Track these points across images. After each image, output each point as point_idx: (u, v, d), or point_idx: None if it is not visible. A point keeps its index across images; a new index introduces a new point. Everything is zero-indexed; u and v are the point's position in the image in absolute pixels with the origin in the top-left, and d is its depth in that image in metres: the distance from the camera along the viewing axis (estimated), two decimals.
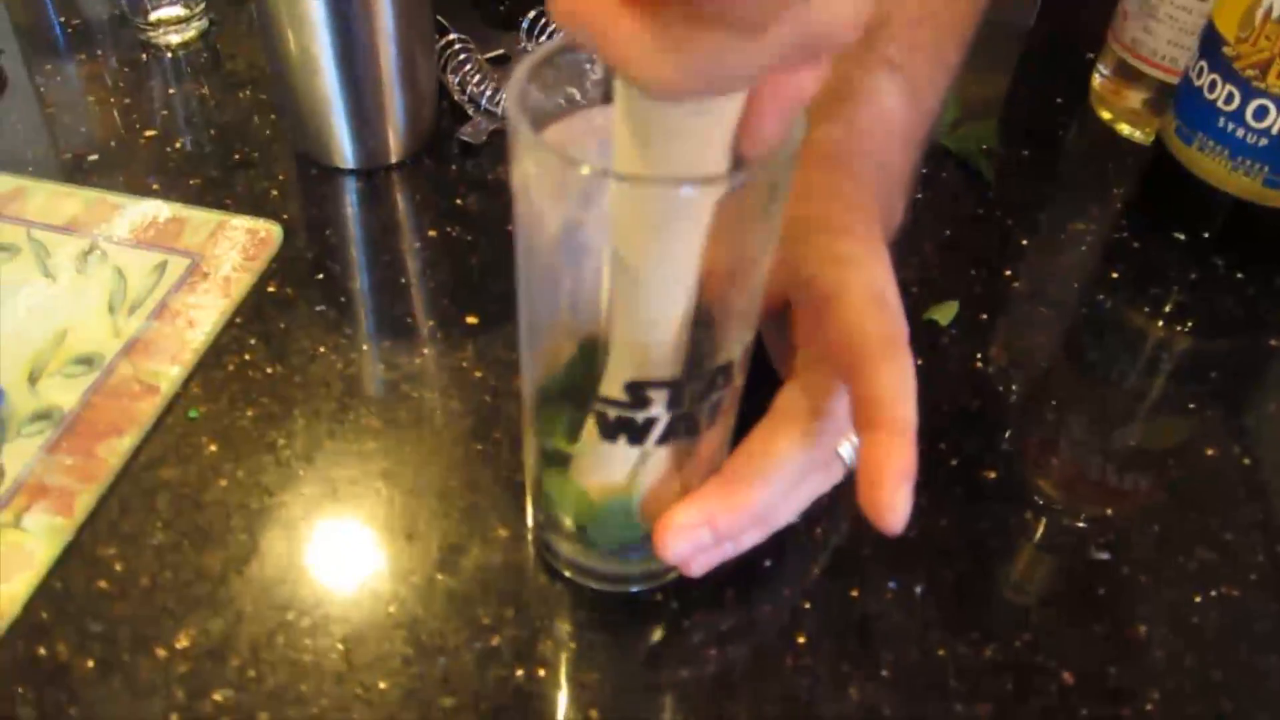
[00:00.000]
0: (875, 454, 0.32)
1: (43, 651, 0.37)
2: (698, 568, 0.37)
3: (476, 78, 0.60)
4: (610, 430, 0.32)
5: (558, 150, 0.26)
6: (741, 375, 0.33)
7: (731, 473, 0.35)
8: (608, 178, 0.26)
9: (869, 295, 0.36)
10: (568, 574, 0.40)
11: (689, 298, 0.29)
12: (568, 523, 0.38)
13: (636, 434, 0.32)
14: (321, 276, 0.51)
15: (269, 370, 0.47)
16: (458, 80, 0.61)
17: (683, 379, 0.31)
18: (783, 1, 0.21)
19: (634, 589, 0.40)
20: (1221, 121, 0.51)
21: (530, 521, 0.41)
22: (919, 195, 0.56)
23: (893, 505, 0.32)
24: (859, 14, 0.22)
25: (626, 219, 0.27)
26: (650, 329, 0.29)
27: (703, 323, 0.30)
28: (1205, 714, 0.37)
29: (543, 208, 0.28)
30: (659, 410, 0.31)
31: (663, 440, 0.32)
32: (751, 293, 0.31)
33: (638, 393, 0.31)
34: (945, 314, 0.50)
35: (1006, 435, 0.46)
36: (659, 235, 0.27)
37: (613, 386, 0.31)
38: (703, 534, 0.35)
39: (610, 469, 0.34)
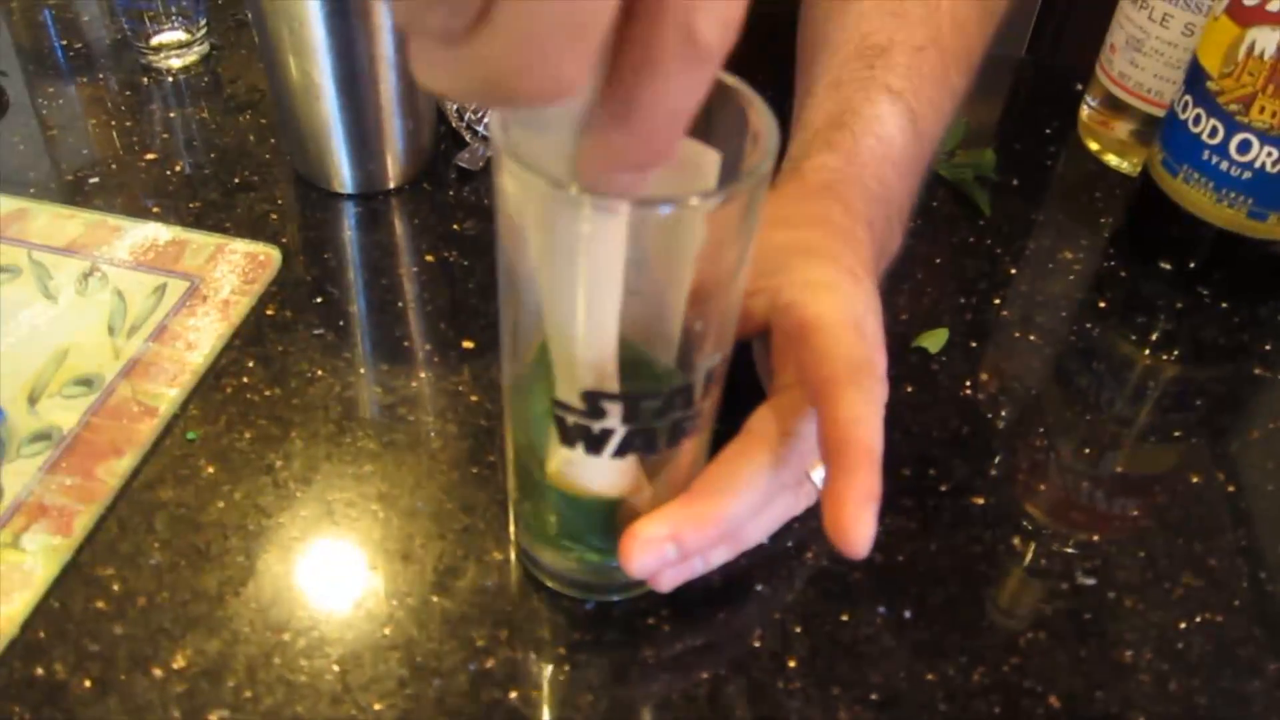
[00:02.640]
0: (839, 478, 0.33)
1: (40, 671, 0.38)
2: (666, 582, 0.37)
3: (474, 104, 0.61)
4: (569, 437, 0.33)
5: (537, 168, 0.27)
6: (708, 399, 0.34)
7: (698, 489, 0.36)
8: (585, 196, 0.26)
9: (844, 321, 0.36)
10: (550, 584, 0.40)
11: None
12: (550, 521, 0.38)
13: (593, 443, 0.33)
14: (320, 300, 0.52)
15: (267, 393, 0.47)
16: (456, 107, 0.62)
17: (638, 395, 0.31)
18: (458, 19, 0.21)
19: (614, 598, 0.40)
20: (1206, 154, 0.52)
21: (512, 534, 0.42)
22: (912, 223, 0.57)
23: (856, 528, 0.32)
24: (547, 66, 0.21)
25: (595, 234, 0.27)
26: (608, 342, 0.30)
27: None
28: None
29: (523, 224, 0.29)
30: (614, 423, 0.32)
31: (619, 453, 0.33)
32: (714, 317, 0.32)
33: (593, 403, 0.31)
34: (935, 341, 0.51)
35: (995, 461, 0.47)
36: (621, 252, 0.28)
37: (571, 393, 0.32)
38: (667, 548, 0.35)
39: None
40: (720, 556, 0.39)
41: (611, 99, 0.23)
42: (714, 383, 0.34)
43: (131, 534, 0.42)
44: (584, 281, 0.28)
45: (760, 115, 0.29)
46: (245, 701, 0.37)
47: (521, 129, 0.27)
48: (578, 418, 0.32)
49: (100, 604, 0.40)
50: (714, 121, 0.29)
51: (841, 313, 0.37)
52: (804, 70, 0.52)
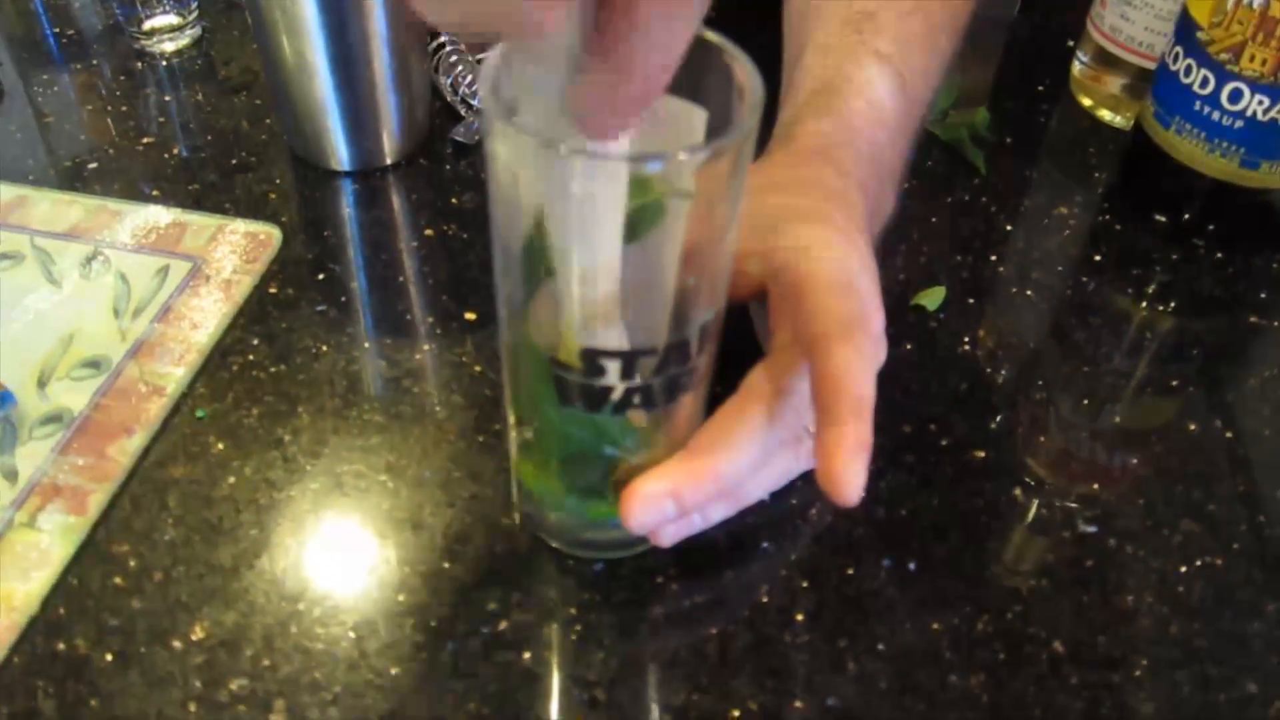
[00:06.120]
0: (829, 428, 0.34)
1: (62, 646, 0.38)
2: (666, 538, 0.38)
3: (468, 79, 0.61)
4: (568, 395, 0.33)
5: (528, 130, 0.27)
6: (702, 355, 0.34)
7: (694, 446, 0.36)
8: (577, 155, 0.27)
9: (837, 279, 0.37)
10: (555, 545, 0.41)
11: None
12: (553, 463, 0.38)
13: (593, 401, 0.33)
14: (321, 277, 0.52)
15: (273, 369, 0.48)
16: (449, 81, 0.62)
17: (634, 352, 0.32)
18: None
19: (619, 555, 0.41)
20: (1198, 105, 0.52)
21: (515, 499, 0.42)
22: (907, 183, 0.57)
23: (846, 478, 0.33)
24: None
25: (587, 194, 0.28)
26: (603, 300, 0.30)
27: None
28: (1191, 680, 0.39)
29: (514, 189, 0.29)
30: (613, 380, 0.32)
31: (618, 411, 0.34)
32: (708, 273, 0.32)
33: (592, 361, 0.32)
34: (933, 299, 0.52)
35: (994, 416, 0.47)
36: (616, 211, 0.28)
37: (570, 353, 0.32)
38: (666, 504, 0.36)
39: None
40: (719, 513, 0.39)
41: (599, 40, 0.24)
42: (709, 339, 0.34)
43: (145, 511, 0.42)
44: (579, 237, 0.29)
45: (745, 71, 0.30)
46: (264, 670, 0.38)
47: (519, 84, 0.27)
48: (577, 376, 0.32)
49: (118, 580, 0.40)
50: (700, 79, 0.30)
51: (835, 271, 0.37)
52: (792, 37, 0.52)
